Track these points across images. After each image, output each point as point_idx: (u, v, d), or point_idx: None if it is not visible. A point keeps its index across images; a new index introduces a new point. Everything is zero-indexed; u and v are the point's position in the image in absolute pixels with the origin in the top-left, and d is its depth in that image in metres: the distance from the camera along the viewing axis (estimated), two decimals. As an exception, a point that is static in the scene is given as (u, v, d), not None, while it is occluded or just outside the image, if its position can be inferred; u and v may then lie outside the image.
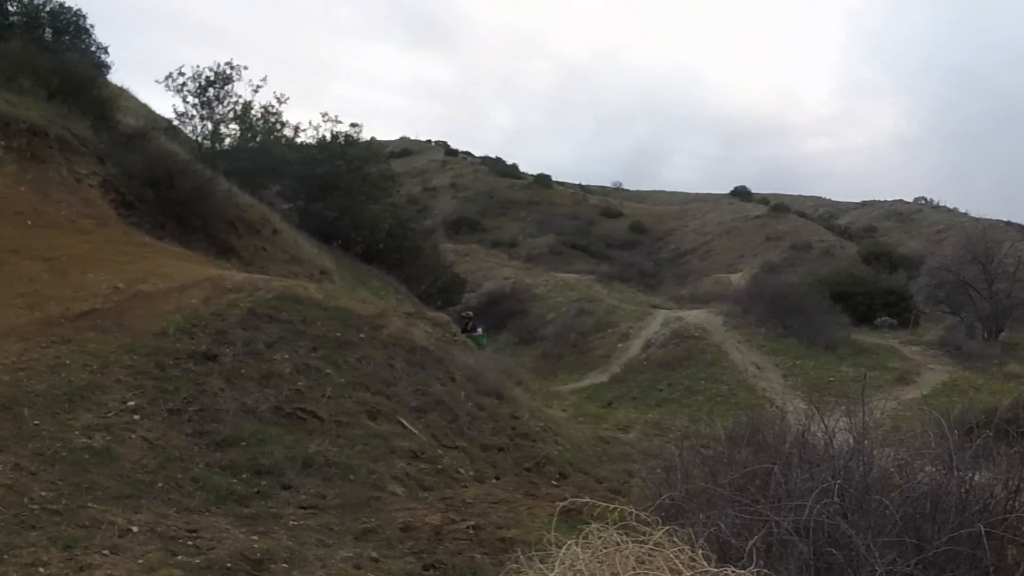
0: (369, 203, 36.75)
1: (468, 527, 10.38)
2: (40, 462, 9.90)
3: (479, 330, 20.59)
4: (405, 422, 13.61)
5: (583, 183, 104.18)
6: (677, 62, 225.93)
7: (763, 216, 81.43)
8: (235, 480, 10.88)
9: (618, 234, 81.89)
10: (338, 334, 15.49)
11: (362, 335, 15.78)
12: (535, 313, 44.99)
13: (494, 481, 13.07)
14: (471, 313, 20.93)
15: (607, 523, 5.71)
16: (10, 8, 18.49)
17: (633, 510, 5.95)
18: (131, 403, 11.90)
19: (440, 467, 12.78)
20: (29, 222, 18.12)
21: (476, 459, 13.63)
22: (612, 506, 6.19)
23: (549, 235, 74.98)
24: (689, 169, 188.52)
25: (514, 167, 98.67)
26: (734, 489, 7.66)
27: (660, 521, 5.88)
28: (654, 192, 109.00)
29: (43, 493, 9.20)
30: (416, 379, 15.15)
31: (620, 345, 37.32)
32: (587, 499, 6.62)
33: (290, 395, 13.19)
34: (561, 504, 6.63)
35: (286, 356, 14.26)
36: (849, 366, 29.67)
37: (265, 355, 14.14)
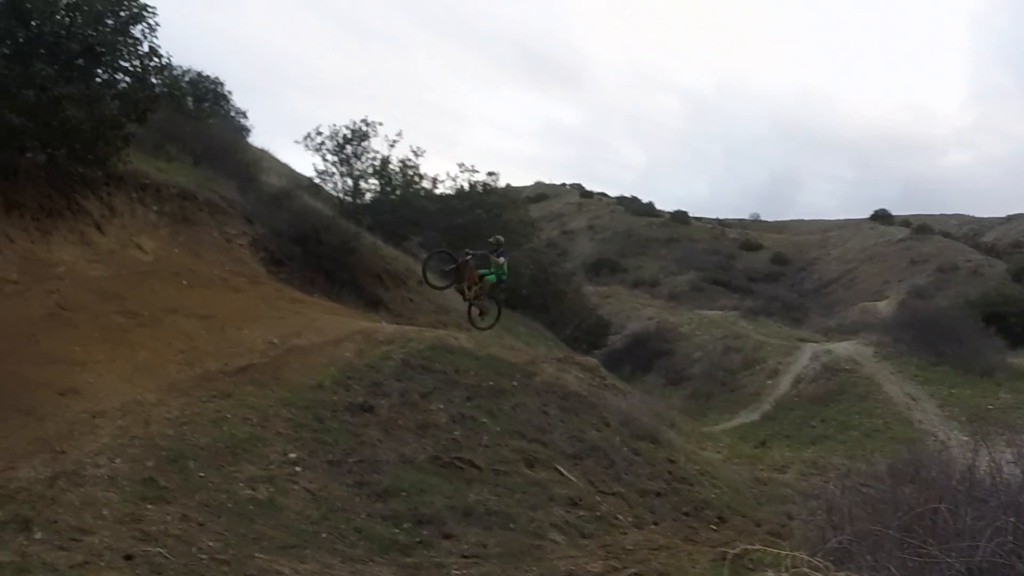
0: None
1: (630, 575, 10.16)
2: (207, 513, 10.11)
3: (502, 259, 19.08)
4: (562, 469, 13.51)
5: (720, 217, 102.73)
6: (804, 84, 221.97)
7: (906, 239, 78.67)
8: (397, 530, 10.92)
9: (760, 267, 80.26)
10: (491, 382, 15.51)
11: (515, 383, 15.77)
12: (682, 352, 44.26)
13: (653, 527, 12.86)
14: (501, 239, 19.62)
15: (779, 569, 5.47)
16: (154, 80, 19.19)
17: (804, 556, 5.69)
18: (292, 455, 12.07)
19: (599, 514, 12.62)
20: (184, 282, 18.66)
21: (634, 505, 13.44)
22: (783, 552, 5.94)
23: (690, 272, 73.91)
24: (826, 195, 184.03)
25: (650, 205, 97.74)
26: (901, 529, 7.30)
27: (831, 566, 5.62)
28: (793, 221, 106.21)
29: (211, 543, 9.35)
30: (571, 425, 15.06)
31: (769, 382, 36.44)
32: (758, 546, 6.37)
33: (447, 444, 13.23)
34: (732, 552, 6.41)
35: (441, 406, 14.33)
36: (1008, 392, 28.27)
37: (420, 405, 14.23)
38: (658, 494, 14.13)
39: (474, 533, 11.13)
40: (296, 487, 11.32)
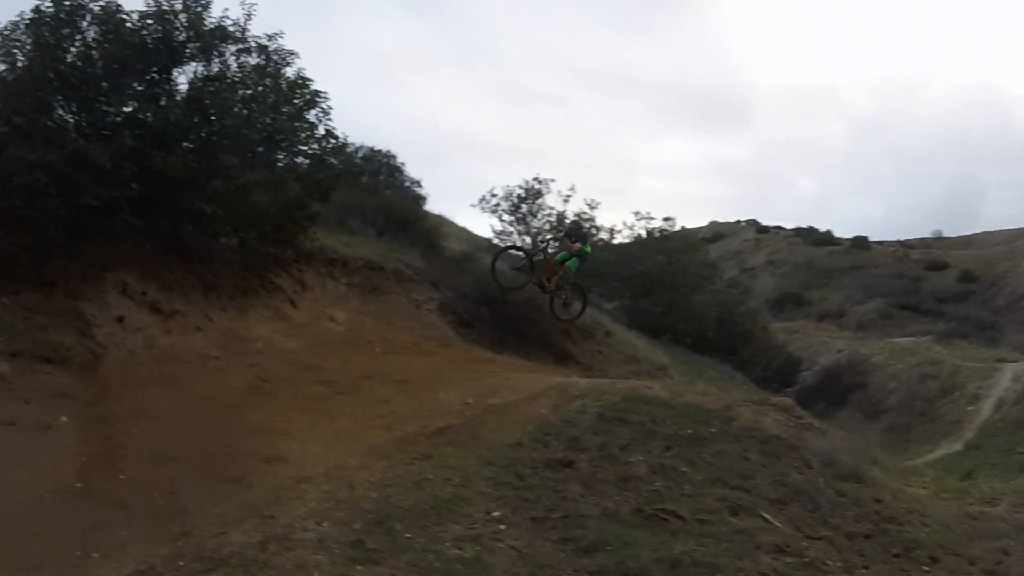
0: (694, 293, 36.60)
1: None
2: (415, 573, 10.21)
3: (579, 244, 17.85)
4: (767, 515, 13.14)
5: (901, 238, 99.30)
6: (969, 87, 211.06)
7: (1099, 239, 74.49)
8: (604, 585, 10.76)
9: (948, 286, 76.98)
10: (689, 431, 15.28)
11: (713, 429, 15.49)
12: (876, 384, 43.01)
13: (863, 571, 12.37)
14: (579, 222, 18.74)
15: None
16: (332, 160, 20.03)
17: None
18: (496, 513, 12.08)
19: (807, 560, 12.20)
20: (378, 349, 19.19)
21: (842, 549, 12.94)
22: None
23: (876, 299, 71.85)
24: (1010, 203, 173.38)
25: (828, 234, 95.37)
26: None
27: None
28: (978, 235, 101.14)
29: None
30: (773, 469, 14.66)
31: (970, 408, 35.11)
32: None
33: (649, 496, 13.03)
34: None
35: (640, 457, 14.16)
36: None
37: (620, 458, 14.10)
38: (866, 536, 13.57)
39: (681, 585, 10.94)
40: (502, 545, 11.31)
